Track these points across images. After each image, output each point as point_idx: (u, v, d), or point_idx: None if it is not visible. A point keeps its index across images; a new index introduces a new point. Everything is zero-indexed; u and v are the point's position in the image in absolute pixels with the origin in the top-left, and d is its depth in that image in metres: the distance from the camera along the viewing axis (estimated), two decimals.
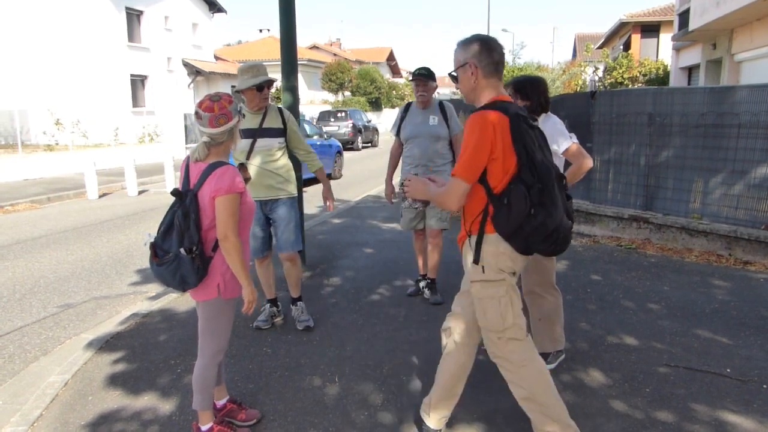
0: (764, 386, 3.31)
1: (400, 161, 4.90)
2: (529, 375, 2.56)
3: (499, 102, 2.46)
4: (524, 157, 2.36)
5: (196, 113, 2.63)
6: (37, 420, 3.15)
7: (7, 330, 4.64)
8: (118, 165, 15.57)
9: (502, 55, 2.52)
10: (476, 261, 2.49)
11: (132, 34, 24.94)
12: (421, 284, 4.99)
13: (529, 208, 2.34)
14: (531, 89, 3.46)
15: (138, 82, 25.27)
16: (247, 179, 3.60)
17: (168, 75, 26.47)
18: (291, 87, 5.54)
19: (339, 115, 25.27)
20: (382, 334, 4.20)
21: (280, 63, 5.62)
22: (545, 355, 3.60)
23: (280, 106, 4.22)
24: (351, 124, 24.54)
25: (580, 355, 3.76)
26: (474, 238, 2.51)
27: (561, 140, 3.40)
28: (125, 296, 5.46)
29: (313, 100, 38.16)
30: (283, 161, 4.14)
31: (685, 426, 2.94)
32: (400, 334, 4.19)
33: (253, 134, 4.01)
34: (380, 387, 3.42)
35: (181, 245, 2.55)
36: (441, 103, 4.77)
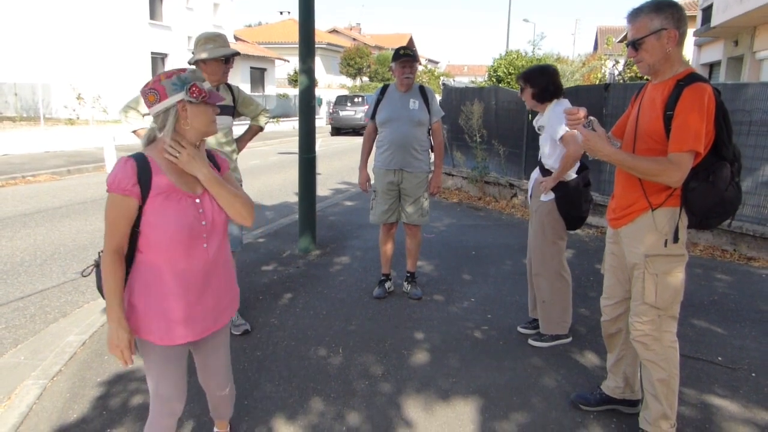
0: (753, 374, 3.41)
1: (374, 148, 4.50)
2: (674, 357, 2.55)
3: (698, 74, 2.40)
4: (724, 134, 2.33)
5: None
6: (56, 375, 3.35)
7: (29, 292, 4.86)
8: (136, 141, 15.75)
9: None
10: (676, 236, 2.43)
11: (154, 12, 25.18)
12: (386, 284, 4.73)
13: (728, 186, 2.35)
14: (538, 76, 3.55)
15: (158, 59, 25.54)
16: None
17: (188, 54, 26.65)
18: (307, 69, 5.56)
19: (356, 99, 25.26)
20: (387, 311, 4.35)
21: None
22: (542, 335, 3.74)
23: (228, 82, 3.87)
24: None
25: (577, 338, 3.87)
26: (666, 211, 2.45)
27: (559, 128, 3.35)
28: None
29: (330, 84, 38.25)
30: (233, 143, 3.91)
31: None
32: (403, 312, 4.34)
33: None
34: (382, 359, 3.57)
35: None
36: (422, 87, 4.39)
